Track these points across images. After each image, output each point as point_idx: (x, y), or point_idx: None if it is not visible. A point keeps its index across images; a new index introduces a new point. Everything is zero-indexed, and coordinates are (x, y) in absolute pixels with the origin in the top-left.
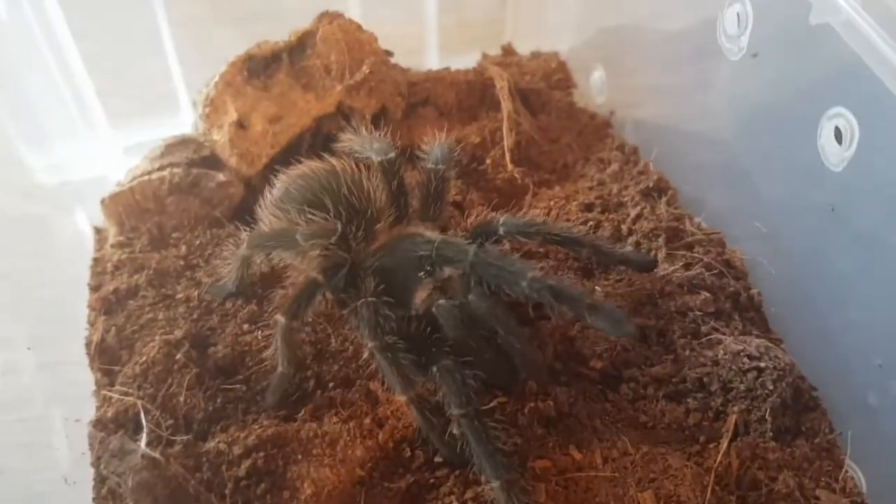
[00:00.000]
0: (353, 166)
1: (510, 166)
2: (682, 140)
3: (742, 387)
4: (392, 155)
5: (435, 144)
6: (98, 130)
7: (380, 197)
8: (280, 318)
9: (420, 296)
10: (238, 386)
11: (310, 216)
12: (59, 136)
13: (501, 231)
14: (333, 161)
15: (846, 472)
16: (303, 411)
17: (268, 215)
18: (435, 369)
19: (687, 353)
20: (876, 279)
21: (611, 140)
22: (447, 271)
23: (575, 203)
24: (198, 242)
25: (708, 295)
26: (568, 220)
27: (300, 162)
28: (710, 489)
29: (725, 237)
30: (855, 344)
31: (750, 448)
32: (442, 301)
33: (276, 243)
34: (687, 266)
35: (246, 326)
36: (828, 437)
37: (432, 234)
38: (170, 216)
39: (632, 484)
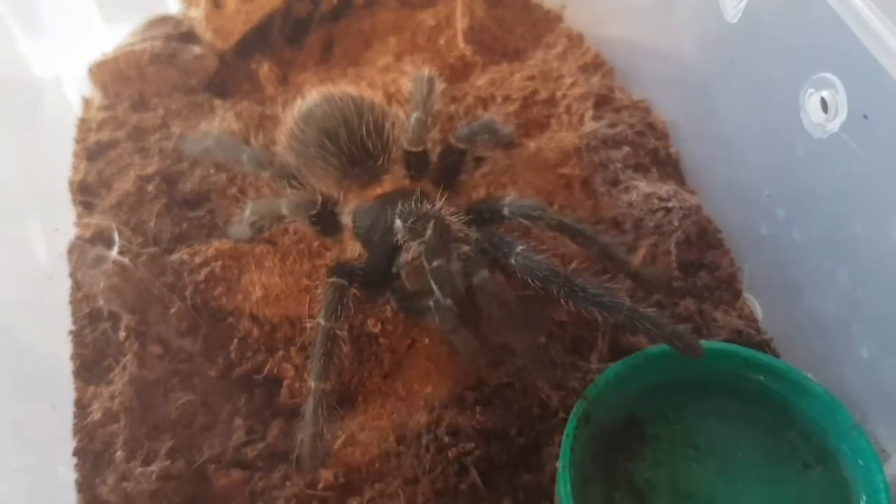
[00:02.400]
0: (383, 108)
1: (462, 45)
2: (640, 52)
3: (651, 224)
4: (417, 150)
5: (418, 83)
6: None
7: (396, 138)
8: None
9: (405, 257)
10: (203, 215)
11: (320, 148)
12: (54, 27)
13: (506, 212)
14: (366, 95)
15: (743, 300)
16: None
17: (286, 133)
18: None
19: (606, 198)
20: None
21: (561, 30)
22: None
23: (518, 75)
24: (174, 107)
25: (629, 149)
26: (508, 94)
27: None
28: None
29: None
30: (752, 183)
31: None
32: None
33: (267, 215)
34: (612, 125)
35: (213, 170)
36: (728, 270)
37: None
38: (149, 84)
39: (547, 302)
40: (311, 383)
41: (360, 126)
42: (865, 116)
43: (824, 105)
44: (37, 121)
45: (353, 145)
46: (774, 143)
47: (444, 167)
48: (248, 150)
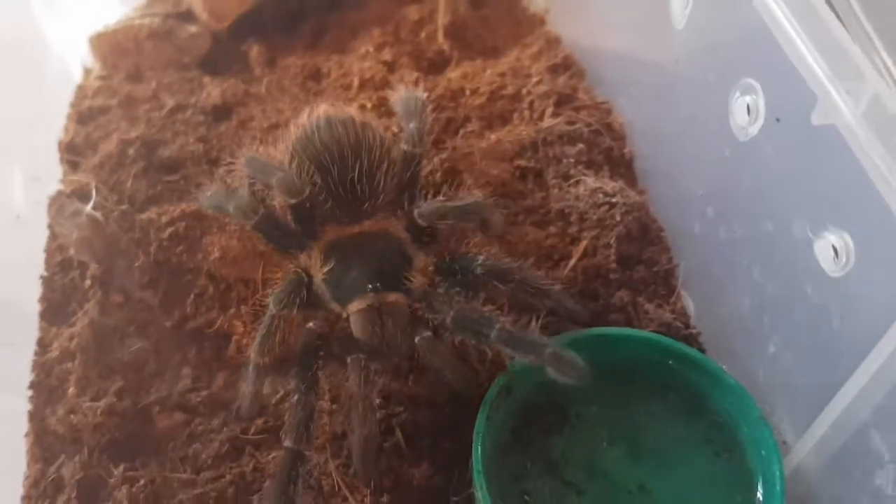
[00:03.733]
0: (383, 145)
1: (441, 40)
2: (607, 56)
3: (595, 217)
4: (419, 151)
5: (405, 99)
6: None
7: (387, 184)
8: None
9: (356, 305)
10: (177, 180)
11: (311, 181)
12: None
13: (479, 272)
14: (371, 126)
15: (678, 296)
16: None
17: (287, 146)
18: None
19: (556, 191)
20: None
21: (541, 32)
22: (392, 296)
23: (490, 71)
24: (166, 81)
25: (583, 146)
26: (478, 87)
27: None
28: None
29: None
30: (689, 183)
31: (595, 268)
32: (362, 357)
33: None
34: (570, 123)
35: (192, 139)
36: (666, 266)
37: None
38: (145, 57)
39: None
40: (252, 354)
41: (355, 166)
42: (778, 119)
43: (748, 109)
44: (42, 84)
45: (343, 186)
46: (708, 144)
47: (411, 235)
48: (279, 173)
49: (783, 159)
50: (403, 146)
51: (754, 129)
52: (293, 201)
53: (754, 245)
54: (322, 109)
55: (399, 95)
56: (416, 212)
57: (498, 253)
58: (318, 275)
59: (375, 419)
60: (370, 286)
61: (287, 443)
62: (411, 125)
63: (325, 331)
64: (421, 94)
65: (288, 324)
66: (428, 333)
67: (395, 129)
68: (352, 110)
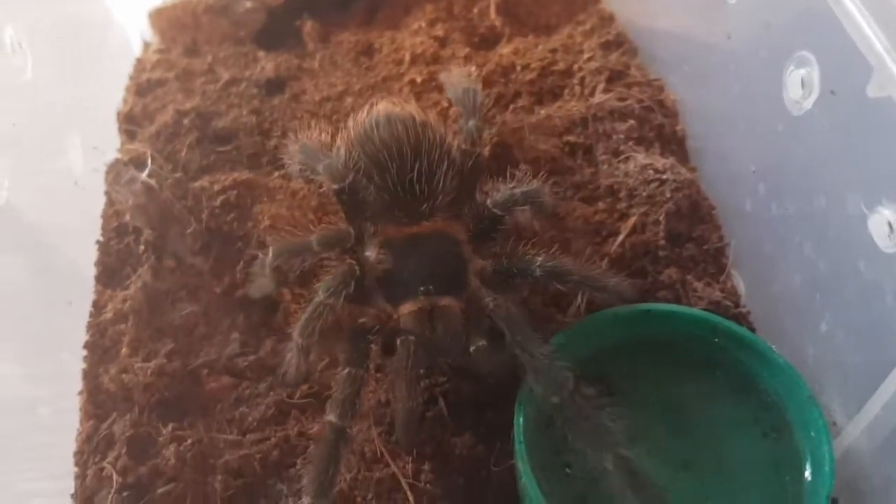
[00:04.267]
0: (442, 140)
1: (493, 16)
2: (660, 33)
3: (644, 193)
4: (478, 150)
5: (461, 91)
6: None
7: (446, 185)
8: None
9: (407, 307)
10: (230, 150)
11: (369, 179)
12: None
13: (538, 273)
14: (431, 124)
15: (727, 275)
16: (276, 174)
17: (347, 143)
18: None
19: (605, 167)
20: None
21: (595, 10)
22: (445, 300)
23: (541, 47)
24: (222, 55)
25: (634, 123)
26: (528, 63)
27: None
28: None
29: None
30: (742, 159)
31: (643, 244)
32: (412, 338)
33: (297, 251)
34: (621, 99)
35: (246, 112)
36: (716, 245)
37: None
38: (202, 32)
39: None
40: (294, 334)
41: (414, 167)
42: (832, 92)
43: (802, 83)
44: (103, 57)
45: (402, 186)
46: (760, 120)
47: (477, 230)
48: (326, 159)
49: (837, 133)
50: (462, 145)
51: (808, 103)
52: (335, 186)
53: (806, 221)
54: (381, 106)
55: (452, 78)
56: (489, 202)
57: (553, 252)
58: (373, 270)
59: (419, 393)
60: (422, 288)
61: (331, 417)
62: (470, 123)
63: (374, 325)
64: (478, 86)
65: (333, 312)
66: (483, 343)
67: (445, 104)
68: (412, 108)
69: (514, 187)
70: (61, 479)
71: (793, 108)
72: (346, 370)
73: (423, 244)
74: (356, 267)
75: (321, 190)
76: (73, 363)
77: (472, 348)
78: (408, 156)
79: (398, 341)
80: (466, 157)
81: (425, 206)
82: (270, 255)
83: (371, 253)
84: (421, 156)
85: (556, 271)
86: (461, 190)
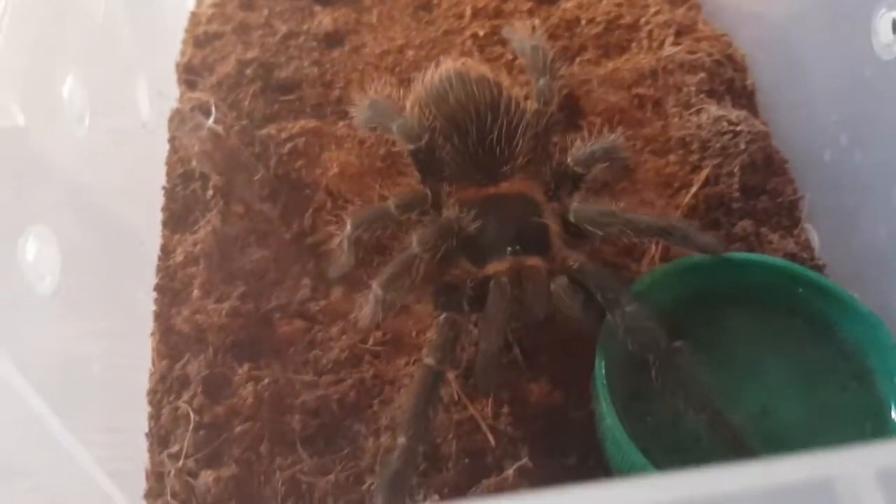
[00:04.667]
0: (519, 104)
1: None
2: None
3: (718, 146)
4: (552, 109)
5: (531, 50)
6: None
7: (525, 145)
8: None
9: (493, 266)
10: (293, 99)
11: (447, 140)
12: None
13: (571, 218)
14: (504, 84)
15: (801, 228)
16: (341, 124)
17: (415, 104)
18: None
19: (676, 119)
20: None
21: None
22: (532, 260)
23: (605, 1)
24: (278, 10)
25: (704, 76)
26: (594, 17)
27: None
28: None
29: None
30: (821, 110)
31: (717, 196)
32: (505, 280)
33: (377, 219)
34: (690, 52)
35: (307, 63)
36: (790, 198)
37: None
38: None
39: None
40: (375, 285)
41: (493, 128)
42: None
43: (894, 26)
44: (156, 9)
45: (482, 147)
46: (845, 67)
47: (559, 188)
48: (400, 119)
49: None
50: (535, 104)
51: None
52: (412, 147)
53: (894, 168)
54: (449, 65)
55: (516, 34)
56: (569, 160)
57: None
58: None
59: (501, 338)
60: (510, 248)
61: (429, 360)
62: (541, 82)
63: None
64: (546, 44)
65: (423, 267)
66: (565, 281)
67: (510, 57)
68: (483, 68)
69: (592, 144)
70: (134, 416)
71: (883, 52)
72: (444, 315)
73: (505, 205)
74: (455, 224)
75: (391, 145)
76: (146, 304)
77: (552, 287)
78: (486, 116)
79: (491, 284)
80: (540, 116)
81: (505, 166)
82: (349, 227)
83: (450, 214)
84: (499, 116)
85: (637, 228)
86: (537, 149)
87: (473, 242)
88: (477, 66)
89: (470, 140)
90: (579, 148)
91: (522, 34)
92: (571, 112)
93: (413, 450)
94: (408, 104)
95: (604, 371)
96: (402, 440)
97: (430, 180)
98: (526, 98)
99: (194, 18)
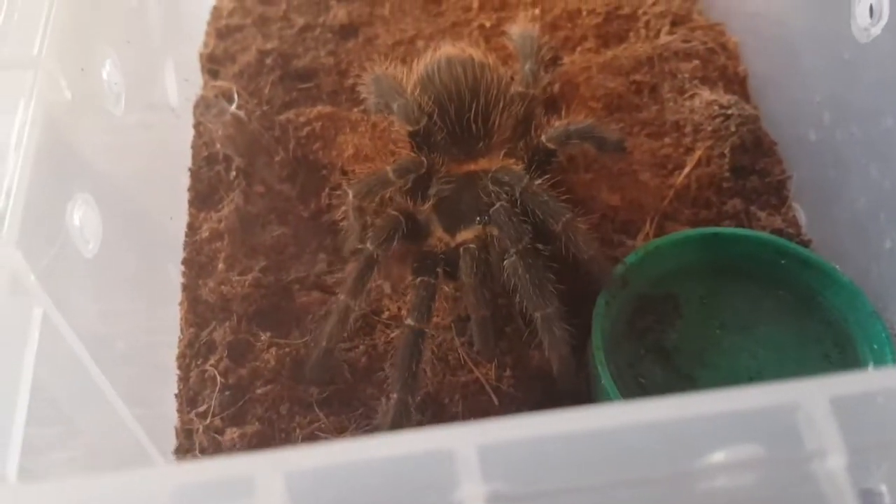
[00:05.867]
0: (500, 81)
1: None
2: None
3: (709, 128)
4: (533, 91)
5: (521, 37)
6: None
7: (502, 124)
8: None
9: (463, 235)
10: (311, 87)
11: (430, 119)
12: None
13: (550, 146)
14: (489, 65)
15: (789, 206)
16: (355, 110)
17: (412, 86)
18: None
19: (671, 104)
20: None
21: None
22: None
23: None
24: (295, 3)
25: (698, 62)
26: (594, 8)
27: None
28: (668, 199)
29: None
30: (806, 91)
31: (709, 176)
32: (472, 246)
33: (377, 186)
34: (685, 41)
35: (323, 53)
36: (778, 177)
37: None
38: None
39: (604, 187)
40: (341, 297)
41: (470, 107)
42: None
43: (871, 11)
44: (181, 2)
45: (459, 125)
46: (826, 51)
47: (532, 164)
48: (401, 99)
49: None
50: (518, 87)
51: (877, 30)
52: (409, 129)
53: (872, 144)
54: (444, 50)
55: (515, 28)
56: (543, 137)
57: None
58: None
59: (487, 302)
60: (478, 219)
61: (409, 321)
62: (526, 66)
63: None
64: (535, 32)
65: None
66: (503, 203)
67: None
68: (473, 51)
69: (568, 124)
70: (163, 379)
71: (860, 35)
72: (418, 279)
73: (478, 179)
74: (400, 217)
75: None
76: (174, 274)
77: (504, 262)
78: (465, 96)
79: (460, 252)
80: (522, 98)
81: (481, 143)
82: (350, 196)
83: (433, 188)
84: (478, 96)
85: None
86: (516, 129)
87: (447, 213)
88: (468, 50)
89: (448, 118)
90: (556, 127)
91: (520, 27)
92: (571, 98)
93: (405, 401)
94: (409, 86)
95: (599, 334)
96: (394, 395)
97: (423, 155)
98: (512, 79)
99: (216, 12)
